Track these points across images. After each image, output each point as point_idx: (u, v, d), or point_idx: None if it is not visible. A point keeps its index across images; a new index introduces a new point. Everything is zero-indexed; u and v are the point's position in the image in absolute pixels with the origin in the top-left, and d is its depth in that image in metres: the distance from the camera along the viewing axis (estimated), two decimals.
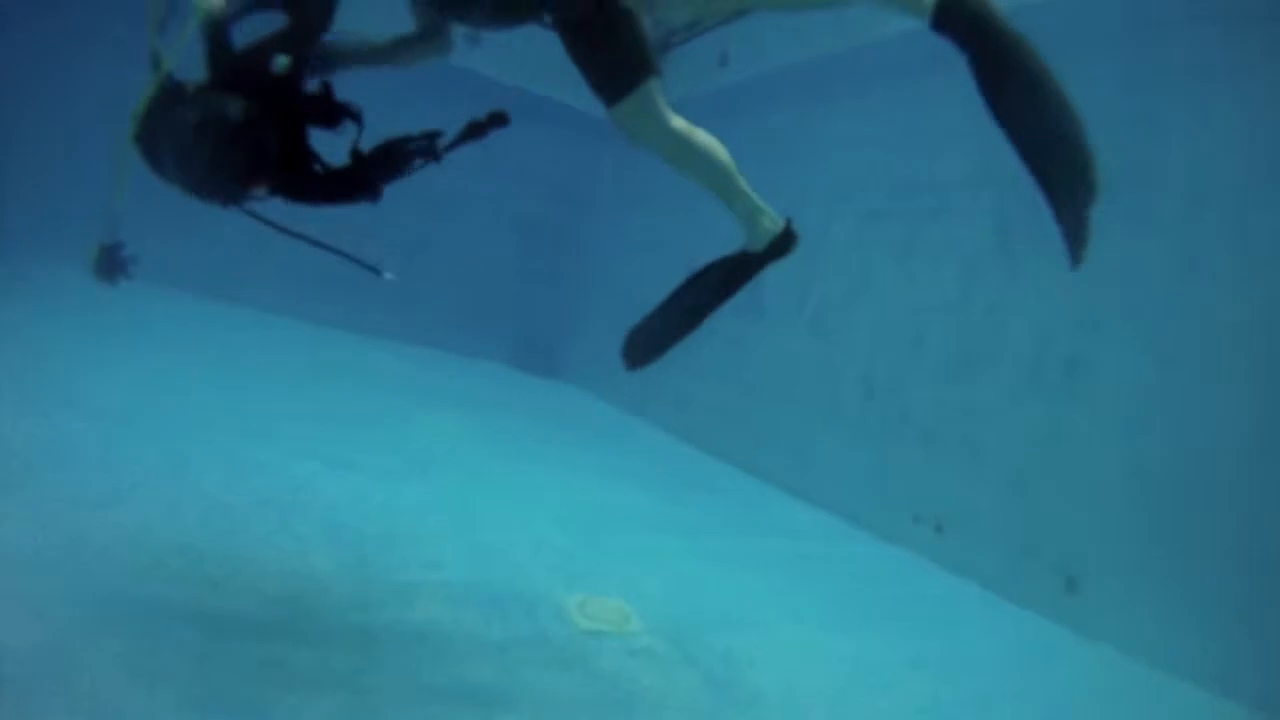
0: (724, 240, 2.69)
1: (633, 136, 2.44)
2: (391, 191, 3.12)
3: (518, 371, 10.24)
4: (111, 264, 2.26)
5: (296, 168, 2.39)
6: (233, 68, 2.27)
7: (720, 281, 2.71)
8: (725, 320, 7.28)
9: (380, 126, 2.45)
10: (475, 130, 2.51)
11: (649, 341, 2.84)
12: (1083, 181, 2.07)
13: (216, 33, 2.26)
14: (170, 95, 2.25)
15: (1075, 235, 2.09)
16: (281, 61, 2.28)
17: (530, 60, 7.99)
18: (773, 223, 2.60)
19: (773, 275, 2.68)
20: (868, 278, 6.08)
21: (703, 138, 2.49)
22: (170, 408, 4.04)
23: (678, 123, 2.44)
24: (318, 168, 2.42)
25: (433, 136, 2.48)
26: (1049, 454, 4.47)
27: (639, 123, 2.41)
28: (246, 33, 2.29)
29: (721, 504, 5.60)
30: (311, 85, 2.40)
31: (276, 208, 2.32)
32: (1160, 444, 3.98)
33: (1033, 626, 4.01)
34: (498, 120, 2.51)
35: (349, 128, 2.42)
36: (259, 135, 2.29)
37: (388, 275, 2.59)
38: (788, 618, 3.52)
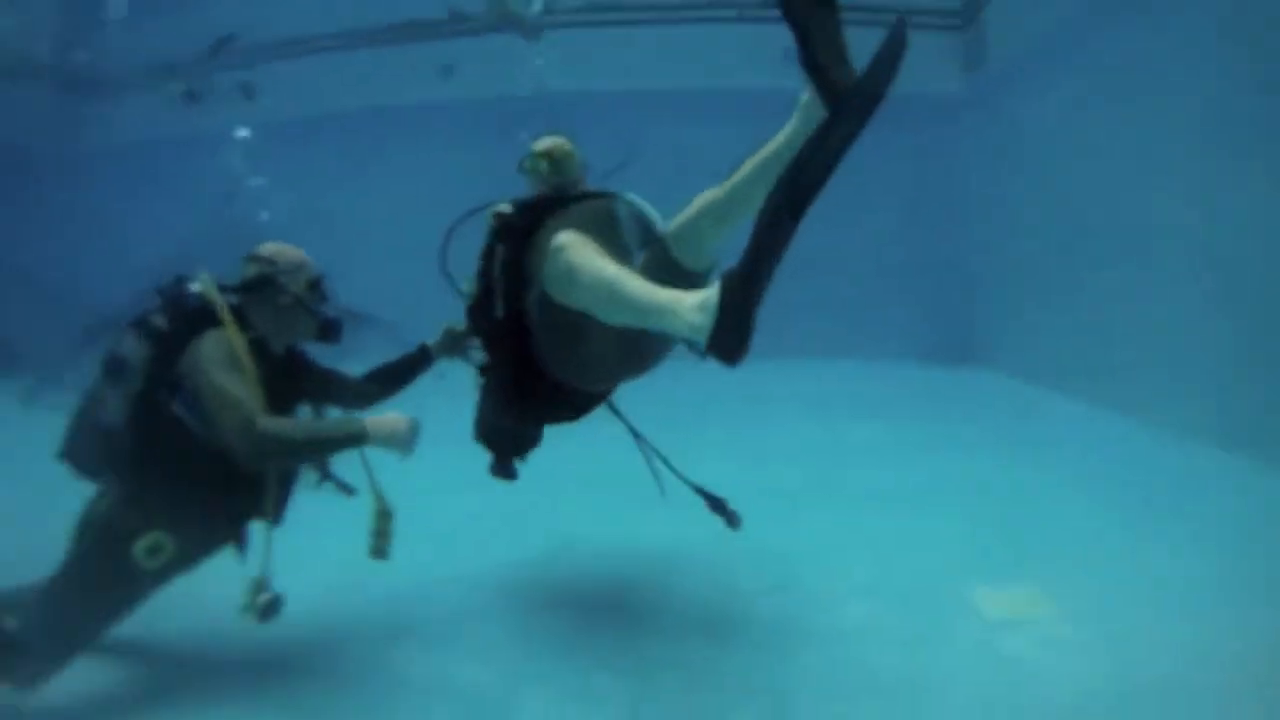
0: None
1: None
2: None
3: (928, 365, 9.85)
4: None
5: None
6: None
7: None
8: (1102, 276, 6.77)
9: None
10: (715, 505, 2.98)
11: None
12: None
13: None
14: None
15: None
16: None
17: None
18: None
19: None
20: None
21: (698, 210, 2.41)
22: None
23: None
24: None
25: None
26: None
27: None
28: None
29: (1145, 473, 4.89)
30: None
31: None
32: None
33: None
34: (731, 520, 2.95)
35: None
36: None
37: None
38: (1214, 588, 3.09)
